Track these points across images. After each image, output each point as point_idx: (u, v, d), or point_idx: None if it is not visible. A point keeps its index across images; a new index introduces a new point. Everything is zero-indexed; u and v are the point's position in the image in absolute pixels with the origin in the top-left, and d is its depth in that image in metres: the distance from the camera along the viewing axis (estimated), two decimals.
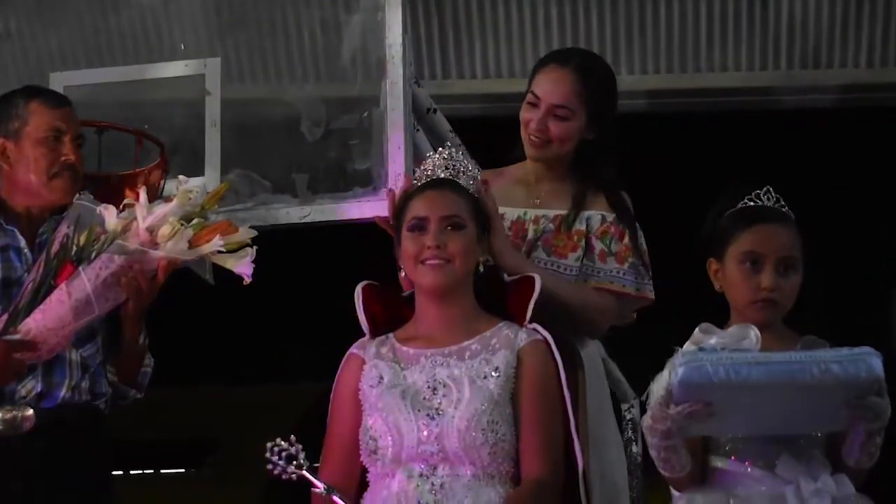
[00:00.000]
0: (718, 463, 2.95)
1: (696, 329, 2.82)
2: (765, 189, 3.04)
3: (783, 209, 3.03)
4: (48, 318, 3.12)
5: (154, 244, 3.13)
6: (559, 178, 3.43)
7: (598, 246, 3.35)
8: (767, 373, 2.74)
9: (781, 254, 2.98)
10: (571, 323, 3.32)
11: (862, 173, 5.32)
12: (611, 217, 3.37)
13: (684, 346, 2.81)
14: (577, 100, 3.36)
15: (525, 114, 3.40)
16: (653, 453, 2.92)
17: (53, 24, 4.58)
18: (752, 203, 3.04)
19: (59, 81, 3.92)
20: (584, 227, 3.37)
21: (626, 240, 3.36)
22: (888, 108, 5.31)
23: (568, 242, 3.36)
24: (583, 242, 3.35)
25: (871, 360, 2.77)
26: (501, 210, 3.34)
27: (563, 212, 3.38)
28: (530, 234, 3.37)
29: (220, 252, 3.14)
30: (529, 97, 3.40)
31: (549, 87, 3.38)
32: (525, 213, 3.40)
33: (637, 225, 3.40)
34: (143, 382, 3.37)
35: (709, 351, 2.77)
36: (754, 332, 2.79)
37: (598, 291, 3.34)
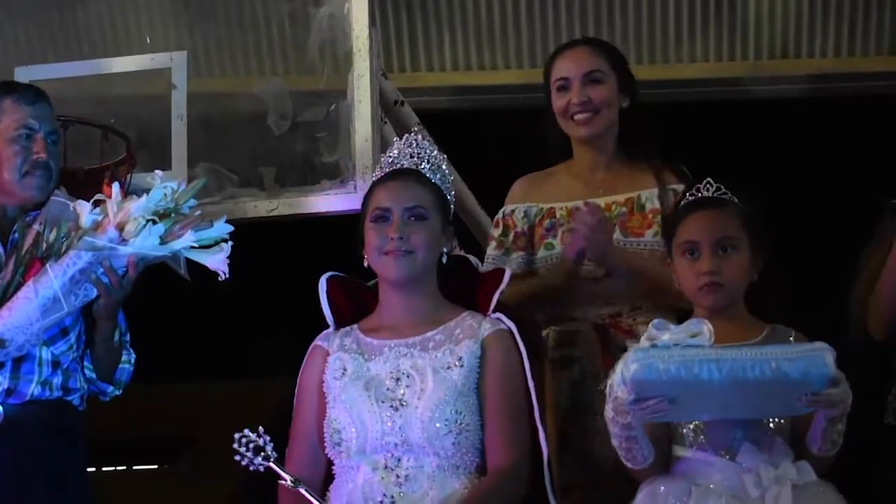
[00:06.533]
0: (681, 452, 2.98)
1: (650, 324, 2.84)
2: (705, 182, 3.10)
3: (723, 196, 3.07)
4: (15, 315, 3.11)
5: (124, 241, 3.11)
6: (610, 164, 3.48)
7: None
8: (719, 370, 2.75)
9: (717, 236, 3.03)
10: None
11: (830, 162, 5.34)
12: (681, 188, 3.36)
13: (640, 342, 2.84)
14: (604, 63, 3.46)
15: (559, 101, 3.46)
16: (615, 443, 2.95)
17: (19, 17, 4.56)
18: (692, 198, 3.09)
19: (24, 76, 3.90)
20: (657, 206, 3.40)
21: None
22: (856, 98, 5.33)
23: (643, 221, 3.40)
24: (659, 219, 3.38)
25: (823, 357, 2.77)
26: (571, 204, 3.42)
27: (632, 194, 3.42)
28: None
29: (194, 248, 3.13)
30: (557, 84, 3.46)
31: (573, 62, 3.46)
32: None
33: None
34: (121, 379, 3.35)
35: (661, 347, 2.79)
36: (707, 327, 2.81)
37: None
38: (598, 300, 3.39)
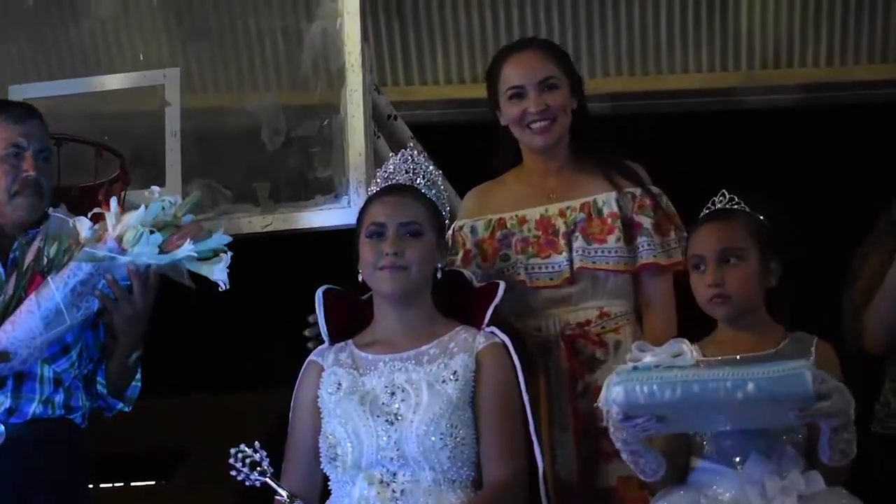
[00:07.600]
0: (696, 462, 2.97)
1: (633, 346, 2.84)
2: (719, 194, 3.07)
3: (733, 206, 3.05)
4: (18, 329, 3.10)
5: (123, 251, 3.11)
6: (562, 168, 3.41)
7: (646, 221, 3.32)
8: (700, 390, 2.74)
9: (720, 247, 3.00)
10: None
11: (824, 171, 5.35)
12: (637, 191, 3.36)
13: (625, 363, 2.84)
14: (556, 68, 3.38)
15: (513, 109, 3.37)
16: (624, 457, 2.95)
17: (12, 36, 4.56)
18: (706, 211, 3.07)
19: (18, 94, 3.91)
20: (615, 210, 3.34)
21: (664, 204, 3.37)
22: (848, 106, 5.34)
23: (604, 227, 3.34)
24: (619, 223, 3.33)
25: (803, 376, 2.73)
26: (520, 213, 3.35)
27: (588, 199, 3.36)
28: (562, 228, 3.35)
29: (194, 259, 3.12)
30: (510, 92, 3.37)
31: (526, 69, 3.37)
32: (546, 210, 3.38)
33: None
34: (132, 396, 3.34)
35: (642, 370, 2.78)
36: (688, 347, 2.80)
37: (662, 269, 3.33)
38: (563, 304, 3.35)
